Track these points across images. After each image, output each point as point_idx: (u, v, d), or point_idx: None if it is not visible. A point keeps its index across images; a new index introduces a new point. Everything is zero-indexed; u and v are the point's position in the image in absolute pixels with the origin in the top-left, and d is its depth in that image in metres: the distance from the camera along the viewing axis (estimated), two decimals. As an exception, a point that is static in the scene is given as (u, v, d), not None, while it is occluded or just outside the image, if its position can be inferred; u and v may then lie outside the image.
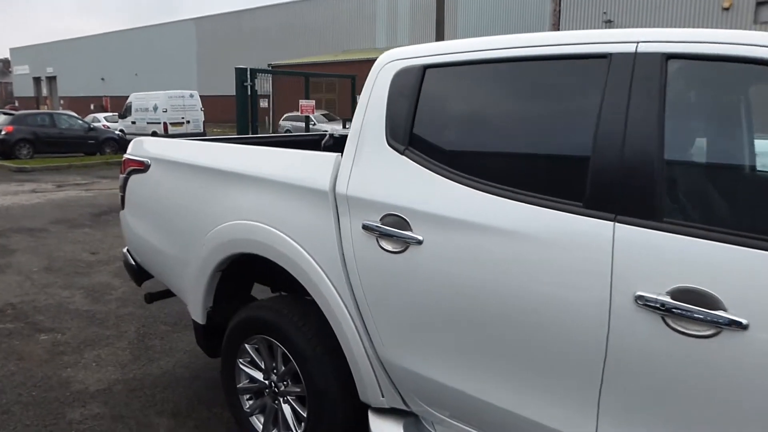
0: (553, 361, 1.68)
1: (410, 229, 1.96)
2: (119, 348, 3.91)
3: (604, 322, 1.57)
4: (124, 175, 3.17)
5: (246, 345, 2.58)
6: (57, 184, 12.49)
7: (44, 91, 60.68)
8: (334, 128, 4.40)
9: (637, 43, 1.65)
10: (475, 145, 1.96)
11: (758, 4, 17.43)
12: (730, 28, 18.33)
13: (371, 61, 2.41)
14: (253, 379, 2.61)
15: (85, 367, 3.62)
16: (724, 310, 1.40)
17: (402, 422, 2.17)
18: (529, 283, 1.70)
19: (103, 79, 52.87)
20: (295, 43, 37.50)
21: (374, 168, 2.12)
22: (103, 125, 23.78)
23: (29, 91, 61.82)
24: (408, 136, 2.07)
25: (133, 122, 24.10)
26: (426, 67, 2.09)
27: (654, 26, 19.71)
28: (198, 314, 2.79)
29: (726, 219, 1.52)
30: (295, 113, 23.38)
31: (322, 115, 25.92)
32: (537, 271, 1.69)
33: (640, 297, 1.50)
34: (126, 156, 3.19)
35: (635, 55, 1.64)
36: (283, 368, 2.45)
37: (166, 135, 22.58)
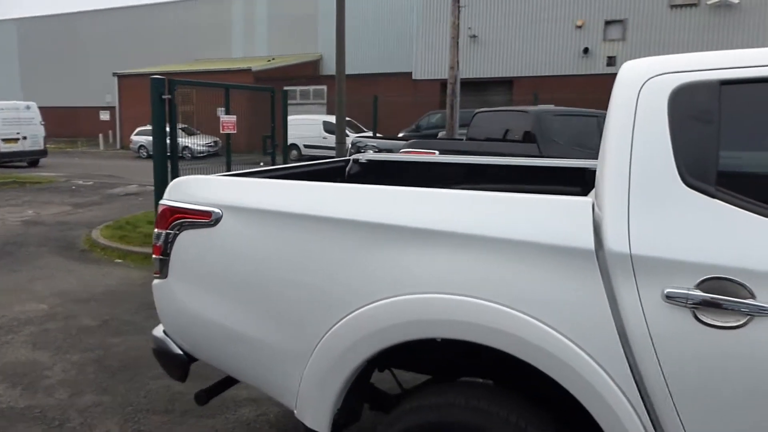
0: None
1: (752, 296, 1.46)
2: (117, 460, 2.87)
3: None
4: (168, 231, 2.25)
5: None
6: None
7: None
8: (361, 154, 3.73)
9: None
10: None
11: (606, 23, 19.24)
12: (584, 44, 20.01)
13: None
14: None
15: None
16: None
17: None
18: None
19: None
20: (141, 50, 34.44)
21: (669, 217, 1.57)
22: None
23: None
24: (715, 172, 1.56)
25: (-48, 140, 20.39)
26: (722, 83, 1.60)
27: (515, 43, 20.88)
28: (323, 422, 1.99)
29: None
30: (148, 127, 21.42)
31: (181, 129, 24.15)
32: None
33: None
34: (168, 204, 2.27)
35: None
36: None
37: (-3, 154, 19.41)
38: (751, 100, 1.58)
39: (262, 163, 17.83)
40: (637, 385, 1.58)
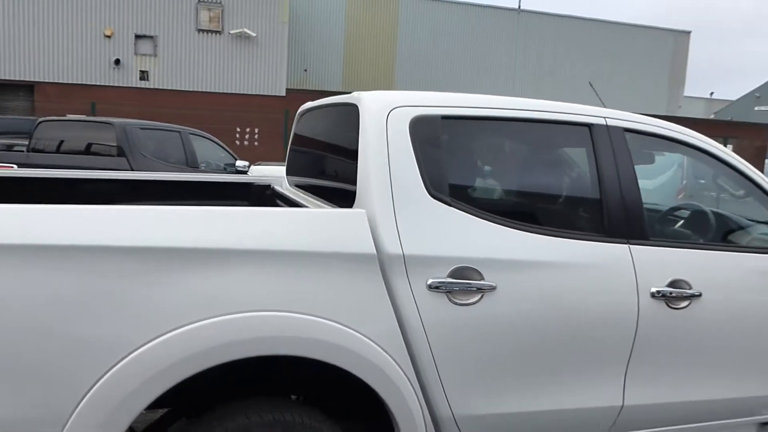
0: (595, 351, 2.18)
1: (482, 278, 2.00)
2: None
3: (634, 312, 2.20)
4: None
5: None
6: None
7: None
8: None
9: (605, 118, 2.34)
10: (517, 194, 2.17)
11: (137, 37, 19.05)
12: (115, 55, 19.31)
13: None
14: None
15: None
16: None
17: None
18: (589, 294, 2.13)
19: None
20: None
21: (424, 222, 1.98)
22: None
23: None
24: (447, 186, 2.04)
25: None
26: (442, 117, 2.10)
27: (36, 43, 18.46)
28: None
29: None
30: None
31: None
32: (589, 284, 2.14)
33: (657, 291, 2.23)
34: None
35: (608, 127, 2.32)
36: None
37: None
38: (462, 132, 2.14)
39: None
40: (413, 362, 1.94)
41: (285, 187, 3.14)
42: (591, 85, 3.21)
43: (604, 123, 2.33)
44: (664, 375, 2.30)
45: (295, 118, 3.10)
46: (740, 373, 2.45)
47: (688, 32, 28.73)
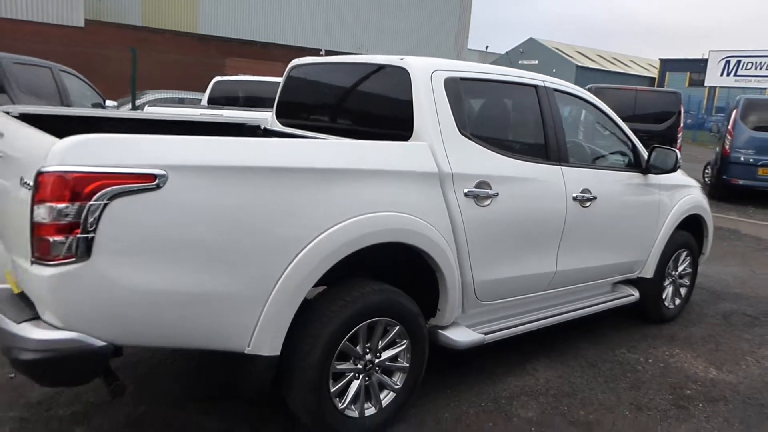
0: (545, 235, 3.35)
1: (490, 188, 3.00)
2: None
3: (564, 209, 3.40)
4: (91, 202, 1.80)
5: (344, 343, 2.55)
6: None
7: None
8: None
9: (543, 81, 3.44)
10: (503, 133, 3.17)
11: None
12: None
13: None
14: (345, 374, 2.61)
15: None
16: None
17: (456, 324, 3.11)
18: (543, 199, 3.27)
19: None
20: None
21: (459, 151, 2.89)
22: None
23: None
24: (468, 126, 2.97)
25: None
26: (461, 79, 2.99)
27: None
28: (279, 344, 2.33)
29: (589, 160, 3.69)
30: None
31: None
32: (543, 192, 3.28)
33: (575, 196, 3.45)
34: (79, 169, 1.77)
35: (545, 88, 3.43)
36: (389, 338, 2.71)
37: None
38: (471, 89, 3.07)
39: None
40: (456, 242, 2.89)
41: (277, 126, 3.75)
42: (507, 56, 4.25)
43: (543, 85, 3.44)
44: (576, 250, 3.58)
45: (289, 69, 3.70)
46: (611, 249, 3.85)
47: (472, -10, 32.01)
